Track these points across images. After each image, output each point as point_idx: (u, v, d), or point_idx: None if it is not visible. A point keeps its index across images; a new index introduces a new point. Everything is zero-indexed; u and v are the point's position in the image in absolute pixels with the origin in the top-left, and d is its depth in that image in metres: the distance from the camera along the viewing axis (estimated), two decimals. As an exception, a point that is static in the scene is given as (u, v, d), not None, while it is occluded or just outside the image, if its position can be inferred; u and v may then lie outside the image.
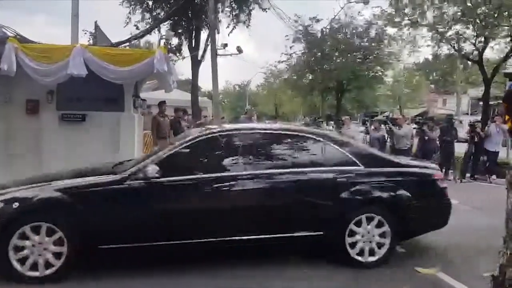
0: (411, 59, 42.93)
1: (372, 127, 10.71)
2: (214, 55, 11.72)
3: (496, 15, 13.28)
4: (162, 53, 6.32)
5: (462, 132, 13.74)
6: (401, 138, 10.39)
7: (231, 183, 4.02)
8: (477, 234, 5.45)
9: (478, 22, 13.57)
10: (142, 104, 8.62)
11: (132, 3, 16.77)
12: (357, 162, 4.36)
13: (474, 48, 15.16)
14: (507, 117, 1.55)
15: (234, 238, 4.01)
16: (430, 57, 37.74)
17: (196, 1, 15.56)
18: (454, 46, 15.72)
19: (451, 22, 14.44)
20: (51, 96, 6.77)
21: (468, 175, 10.86)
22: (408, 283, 3.84)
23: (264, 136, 4.57)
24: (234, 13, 17.52)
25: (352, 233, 4.18)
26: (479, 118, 14.80)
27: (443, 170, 10.92)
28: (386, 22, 16.87)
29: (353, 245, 4.18)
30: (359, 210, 4.21)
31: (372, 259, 4.21)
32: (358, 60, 20.98)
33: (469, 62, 18.53)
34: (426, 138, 10.53)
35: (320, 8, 42.25)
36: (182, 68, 60.17)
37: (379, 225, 4.22)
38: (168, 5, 16.58)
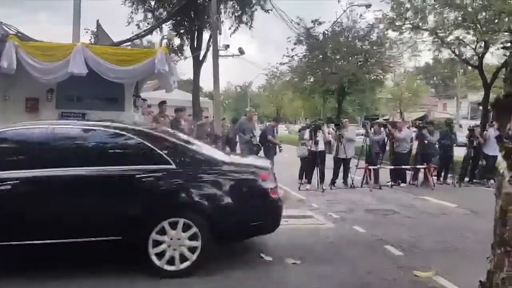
0: (411, 63, 43.01)
1: (372, 130, 10.71)
2: (216, 55, 11.71)
3: (496, 21, 13.30)
4: (163, 53, 6.33)
5: (462, 136, 13.74)
6: (401, 141, 10.42)
7: (12, 184, 3.63)
8: (474, 237, 5.45)
9: (479, 27, 13.59)
10: (142, 104, 8.63)
11: (135, 2, 16.79)
12: (170, 160, 3.96)
13: (474, 53, 15.18)
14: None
15: (22, 243, 3.63)
16: (430, 62, 37.89)
17: (198, 2, 15.58)
18: (454, 51, 15.75)
19: (452, 27, 14.47)
20: (51, 95, 6.78)
21: (466, 179, 10.86)
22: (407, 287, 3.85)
23: (63, 132, 4.10)
24: (236, 14, 17.55)
25: (158, 242, 3.82)
26: (478, 122, 14.79)
27: (442, 173, 10.96)
28: (387, 26, 16.88)
29: (160, 254, 3.82)
30: (163, 214, 3.85)
31: (184, 265, 3.86)
32: (359, 63, 20.99)
33: (469, 67, 18.56)
34: (426, 141, 10.54)
35: (322, 11, 42.38)
36: (184, 68, 60.07)
37: (187, 229, 3.86)
38: (171, 5, 16.60)
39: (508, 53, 1.70)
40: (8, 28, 6.53)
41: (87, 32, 15.34)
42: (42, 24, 71.16)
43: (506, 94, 1.49)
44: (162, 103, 8.65)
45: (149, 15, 17.08)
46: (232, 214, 4.03)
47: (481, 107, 18.37)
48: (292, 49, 21.30)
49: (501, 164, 1.53)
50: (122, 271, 3.92)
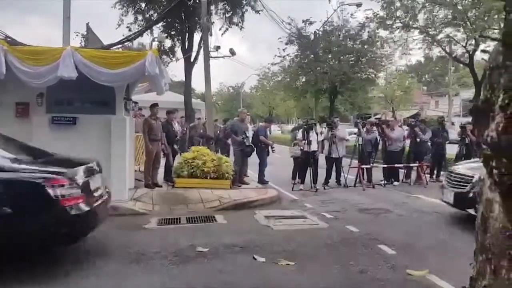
0: (403, 61, 43.33)
1: (364, 129, 10.75)
2: (207, 57, 11.69)
3: (486, 18, 13.44)
4: (153, 56, 6.30)
5: (454, 133, 13.85)
6: (394, 140, 10.45)
7: None
8: (467, 235, 5.48)
9: (469, 25, 13.73)
10: (133, 107, 8.58)
11: (125, 5, 16.72)
12: None
13: (465, 50, 15.33)
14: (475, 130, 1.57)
15: None
16: (422, 60, 38.20)
17: (189, 3, 15.54)
18: (445, 49, 15.90)
19: (442, 25, 14.61)
20: (41, 99, 6.72)
21: (459, 176, 10.93)
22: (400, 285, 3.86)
23: None
24: (227, 15, 17.54)
25: None
26: (470, 119, 14.94)
27: (435, 171, 11.03)
28: (378, 25, 17.00)
29: None
30: None
31: None
32: (351, 62, 21.08)
33: (461, 65, 18.74)
34: (418, 140, 10.59)
35: (313, 11, 42.47)
36: (175, 69, 60.14)
37: None
38: (161, 7, 16.55)
39: (486, 58, 1.70)
40: (-4, 33, 6.47)
41: (77, 35, 15.23)
42: (33, 26, 70.60)
43: (484, 99, 1.49)
44: (154, 106, 8.60)
45: (140, 17, 17.03)
46: (7, 222, 3.64)
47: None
48: (283, 49, 21.38)
49: (481, 169, 1.54)
50: None
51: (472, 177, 5.96)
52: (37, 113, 6.73)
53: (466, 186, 6.05)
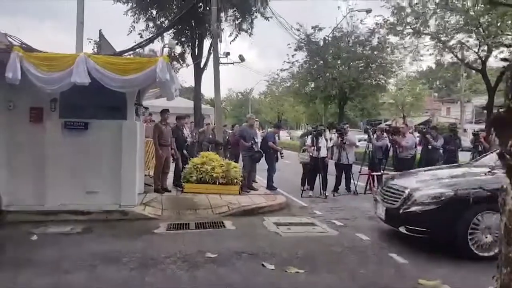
0: (413, 67, 43.04)
1: (375, 135, 10.66)
2: (217, 63, 11.77)
3: (499, 24, 13.30)
4: (164, 62, 6.35)
5: (466, 140, 13.66)
6: (406, 148, 10.29)
7: None
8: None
9: (481, 31, 13.59)
10: (144, 112, 8.66)
11: (137, 12, 16.93)
12: None
13: (477, 56, 15.16)
14: (498, 140, 1.52)
15: None
16: (433, 66, 37.82)
17: (199, 10, 15.69)
18: (457, 55, 15.74)
19: (454, 31, 14.48)
20: (55, 104, 6.82)
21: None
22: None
23: None
24: (236, 22, 17.64)
25: None
26: (483, 126, 14.73)
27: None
28: (388, 31, 16.93)
29: None
30: None
31: None
32: (361, 68, 21.02)
33: (473, 71, 18.52)
34: (430, 147, 10.46)
35: (323, 17, 42.52)
36: (185, 75, 60.54)
37: None
38: (172, 14, 16.72)
39: (506, 65, 1.67)
40: (13, 39, 6.57)
41: (90, 42, 15.45)
42: (46, 32, 71.88)
43: (507, 108, 1.46)
44: (164, 111, 8.67)
45: (151, 24, 17.22)
46: None
47: (485, 111, 18.30)
48: (292, 55, 21.42)
49: (504, 179, 1.51)
50: None
51: (403, 191, 5.33)
52: (50, 118, 6.83)
53: (397, 200, 5.36)
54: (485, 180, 5.01)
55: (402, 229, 5.15)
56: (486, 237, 4.78)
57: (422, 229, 4.94)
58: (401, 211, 5.20)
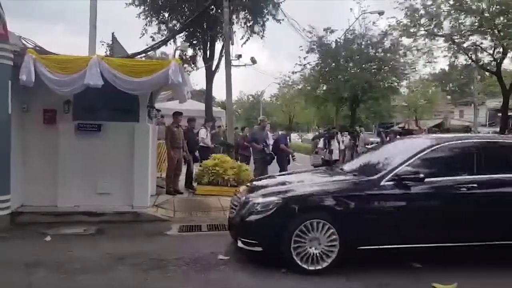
0: (426, 69, 42.55)
1: (388, 138, 10.55)
2: (228, 65, 11.79)
3: (515, 25, 13.06)
4: (176, 65, 6.36)
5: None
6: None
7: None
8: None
9: (496, 32, 13.35)
10: (156, 114, 8.69)
11: (149, 15, 17.09)
12: None
13: (492, 58, 14.90)
14: None
15: None
16: (446, 68, 37.32)
17: (211, 13, 15.76)
18: (471, 57, 15.49)
19: (468, 32, 14.26)
20: (68, 106, 6.87)
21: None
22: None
23: None
24: (248, 24, 17.68)
25: None
26: (497, 129, 14.46)
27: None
28: (401, 32, 16.76)
29: None
30: None
31: None
32: (373, 70, 20.84)
33: (487, 73, 18.22)
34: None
35: (335, 19, 42.54)
36: (197, 78, 60.86)
37: None
38: (184, 17, 16.83)
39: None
40: (27, 42, 6.66)
41: (102, 44, 15.67)
42: (59, 35, 73.05)
43: None
44: (177, 114, 8.70)
45: (163, 26, 17.36)
46: None
47: (499, 114, 17.97)
48: (304, 58, 21.33)
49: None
50: None
51: (240, 198, 4.85)
52: (63, 120, 6.88)
53: (235, 209, 4.82)
54: (328, 186, 4.66)
55: (239, 244, 4.50)
56: (313, 249, 4.24)
57: (252, 241, 4.38)
58: (235, 220, 4.67)
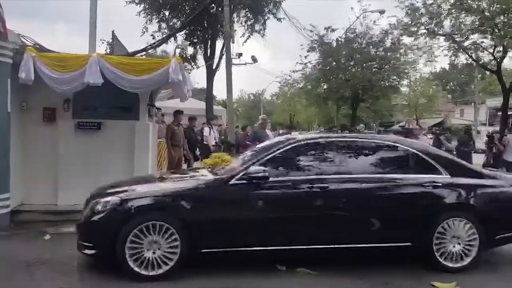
0: (427, 68, 42.53)
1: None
2: (229, 64, 11.79)
3: (515, 24, 13.02)
4: (177, 63, 6.35)
5: (480, 142, 13.40)
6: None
7: None
8: (498, 248, 5.25)
9: (497, 31, 13.31)
10: (156, 113, 8.69)
11: (149, 13, 17.07)
12: None
13: (492, 57, 14.86)
14: None
15: None
16: (447, 67, 37.40)
17: (211, 11, 15.75)
18: (471, 56, 15.44)
19: (469, 31, 14.22)
20: (68, 105, 6.87)
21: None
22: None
23: None
24: (249, 23, 17.67)
25: None
26: (497, 128, 14.43)
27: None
28: (402, 31, 16.73)
29: None
30: None
31: None
32: (374, 69, 20.81)
33: (487, 72, 18.19)
34: (444, 148, 10.29)
35: (336, 18, 42.37)
36: (197, 77, 60.96)
37: None
38: (184, 15, 16.82)
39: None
40: (26, 40, 6.64)
41: (103, 43, 15.66)
42: (60, 34, 73.06)
43: None
44: (178, 113, 8.70)
45: (163, 25, 17.35)
46: None
47: (500, 113, 17.95)
48: (305, 57, 21.29)
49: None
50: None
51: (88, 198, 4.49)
52: (63, 118, 6.88)
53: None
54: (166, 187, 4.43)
55: (87, 251, 4.15)
56: (150, 253, 3.93)
57: (87, 244, 4.12)
58: (80, 222, 4.31)
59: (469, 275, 4.31)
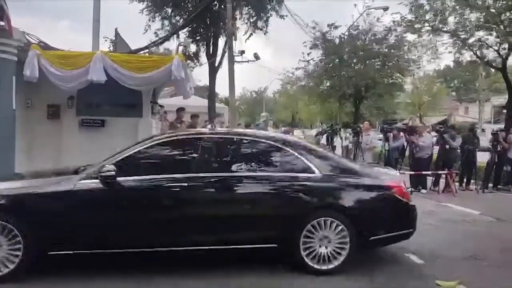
0: (431, 66, 42.35)
1: (391, 135, 10.49)
2: (231, 61, 11.80)
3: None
4: (179, 60, 6.37)
5: (485, 140, 13.33)
6: (423, 148, 10.12)
7: None
8: (500, 245, 5.25)
9: (502, 28, 13.22)
10: (159, 110, 8.72)
11: (152, 11, 17.08)
12: None
13: (497, 55, 14.77)
14: None
15: None
16: (451, 64, 37.17)
17: (214, 9, 15.74)
18: (476, 53, 15.36)
19: (474, 28, 14.13)
20: (72, 102, 6.92)
21: (490, 185, 10.53)
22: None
23: None
24: (251, 20, 17.63)
25: None
26: (502, 126, 14.37)
27: (465, 179, 10.65)
28: (405, 28, 16.66)
29: None
30: None
31: None
32: (377, 66, 20.74)
33: (492, 69, 18.09)
34: (447, 146, 10.25)
35: (339, 15, 42.23)
36: (200, 74, 60.85)
37: None
38: (187, 13, 16.81)
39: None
40: (30, 38, 6.69)
41: (106, 40, 15.68)
42: (63, 32, 73.18)
43: None
44: (180, 110, 8.73)
45: (166, 22, 17.34)
46: None
47: (505, 111, 17.86)
48: (308, 54, 21.25)
49: None
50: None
51: None
52: (67, 115, 6.93)
53: None
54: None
55: None
56: None
57: None
58: None
59: (472, 272, 4.31)
